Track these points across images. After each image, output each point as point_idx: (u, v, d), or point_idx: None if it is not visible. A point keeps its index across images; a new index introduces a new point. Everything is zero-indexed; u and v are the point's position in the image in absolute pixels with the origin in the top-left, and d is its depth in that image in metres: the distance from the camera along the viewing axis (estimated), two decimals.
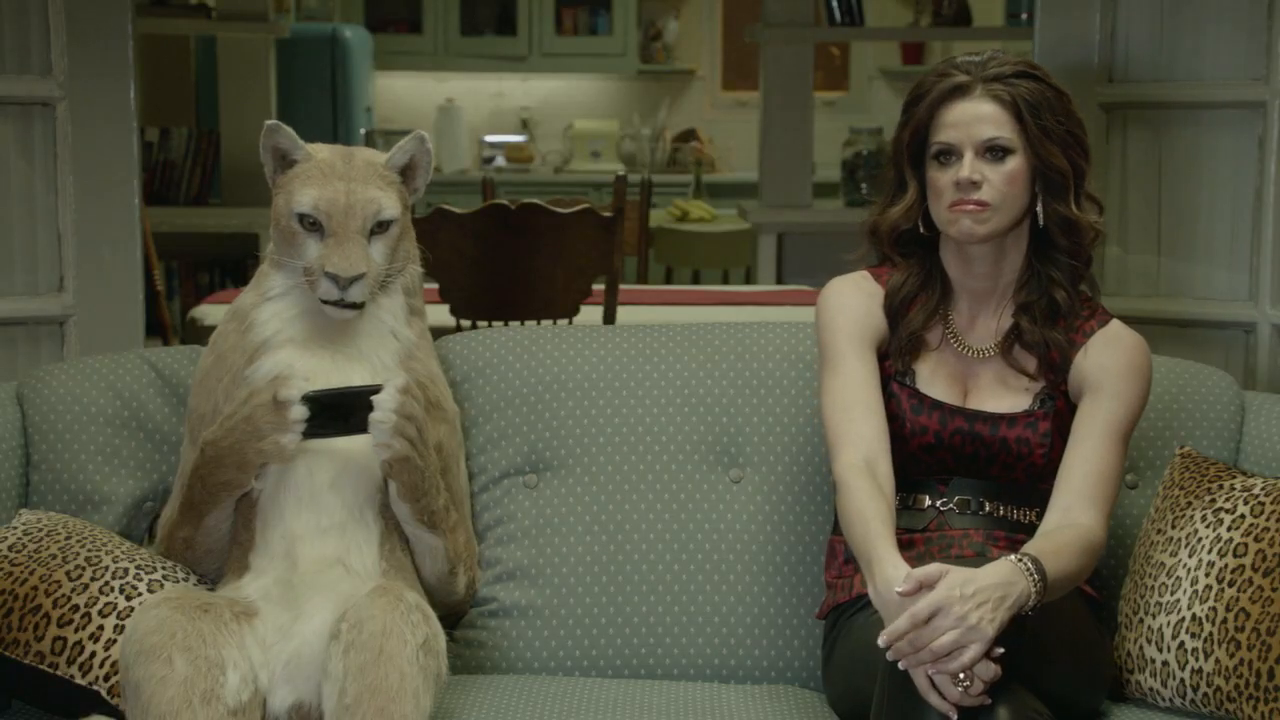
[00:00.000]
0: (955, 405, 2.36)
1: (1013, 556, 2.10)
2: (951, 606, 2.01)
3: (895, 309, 2.41)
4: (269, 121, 2.36)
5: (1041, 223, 2.34)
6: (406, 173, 2.42)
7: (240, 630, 2.17)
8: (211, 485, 2.31)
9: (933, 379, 2.38)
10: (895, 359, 2.39)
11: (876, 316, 2.41)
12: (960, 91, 2.32)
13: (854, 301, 2.42)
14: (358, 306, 2.33)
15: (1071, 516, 2.25)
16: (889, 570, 2.11)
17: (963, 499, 2.35)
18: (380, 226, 2.35)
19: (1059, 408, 2.35)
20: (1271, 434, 2.57)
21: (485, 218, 3.92)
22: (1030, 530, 2.32)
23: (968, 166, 2.31)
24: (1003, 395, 2.36)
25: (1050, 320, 2.36)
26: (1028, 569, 2.08)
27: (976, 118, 2.31)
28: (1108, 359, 2.34)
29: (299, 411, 2.24)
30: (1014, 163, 2.31)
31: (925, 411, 2.35)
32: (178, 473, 2.45)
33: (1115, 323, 2.40)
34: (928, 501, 2.36)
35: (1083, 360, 2.35)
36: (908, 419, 2.35)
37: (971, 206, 2.30)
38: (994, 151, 2.31)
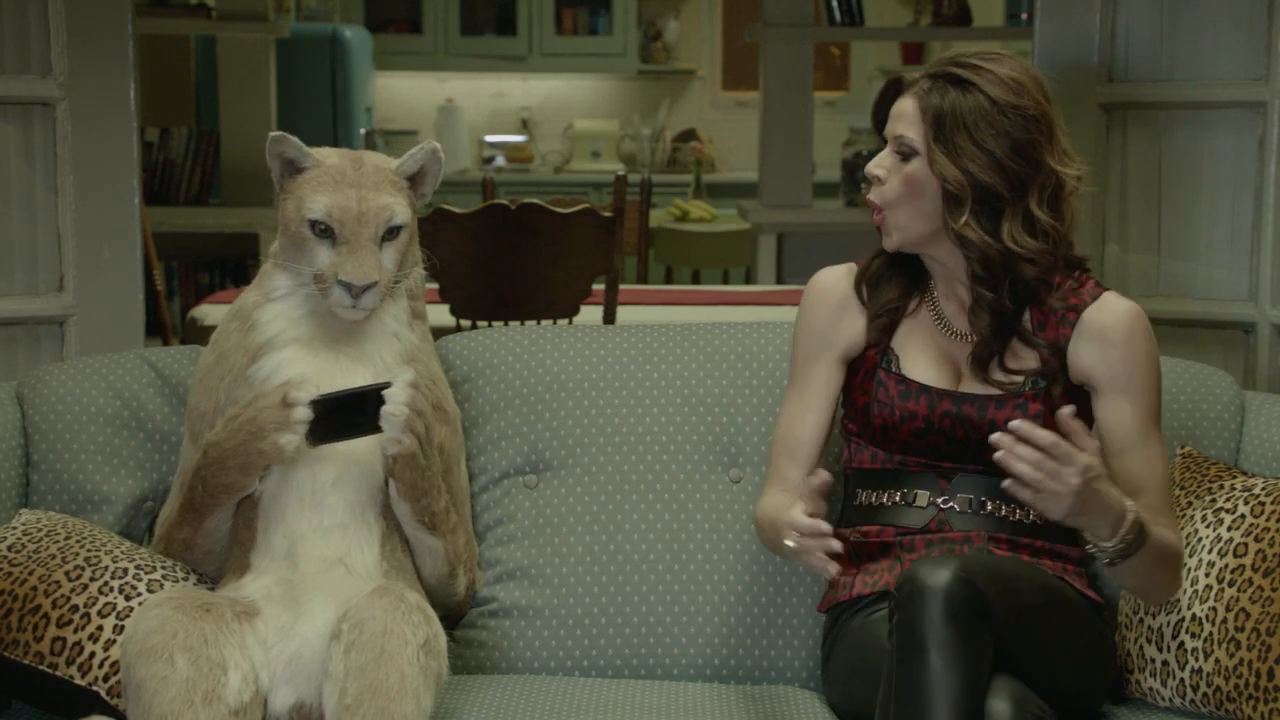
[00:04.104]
0: (942, 389, 2.33)
1: (1138, 511, 2.13)
2: (1073, 458, 2.02)
3: (870, 283, 2.40)
4: (274, 133, 2.35)
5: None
6: (415, 180, 2.42)
7: (241, 630, 2.17)
8: (213, 487, 2.31)
9: (921, 364, 2.36)
10: (871, 331, 2.39)
11: (851, 309, 2.41)
12: (898, 88, 2.33)
13: (830, 300, 2.43)
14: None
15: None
16: (793, 512, 2.11)
17: (964, 497, 2.33)
18: (391, 233, 2.35)
19: (1050, 389, 2.31)
20: (1271, 434, 2.56)
21: (485, 218, 3.92)
22: (1032, 531, 2.30)
23: (874, 160, 2.31)
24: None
25: (1008, 338, 2.32)
26: (1138, 529, 2.11)
27: (897, 114, 2.31)
28: (1113, 356, 2.30)
29: (302, 413, 2.24)
30: (914, 165, 2.28)
31: (913, 397, 2.34)
32: (177, 472, 2.45)
33: (1098, 305, 2.33)
34: (928, 498, 2.33)
35: (1079, 356, 2.31)
36: (896, 405, 2.34)
37: (874, 206, 2.32)
38: (901, 152, 2.29)
